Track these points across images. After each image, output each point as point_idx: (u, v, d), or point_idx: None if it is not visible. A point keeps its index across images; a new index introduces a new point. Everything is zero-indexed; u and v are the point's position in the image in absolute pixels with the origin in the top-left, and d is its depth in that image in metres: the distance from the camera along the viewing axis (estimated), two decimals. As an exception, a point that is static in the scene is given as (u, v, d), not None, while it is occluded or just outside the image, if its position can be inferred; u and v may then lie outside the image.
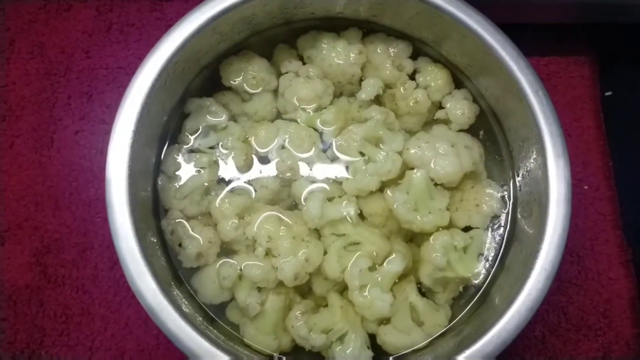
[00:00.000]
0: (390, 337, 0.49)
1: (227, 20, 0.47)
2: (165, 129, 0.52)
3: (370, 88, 0.53)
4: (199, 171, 0.52)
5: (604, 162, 0.64)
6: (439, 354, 0.47)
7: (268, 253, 0.49)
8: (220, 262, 0.51)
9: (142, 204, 0.46)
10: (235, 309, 0.51)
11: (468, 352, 0.43)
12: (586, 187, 0.63)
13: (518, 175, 0.52)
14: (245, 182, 0.54)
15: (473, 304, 0.51)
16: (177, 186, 0.52)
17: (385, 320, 0.50)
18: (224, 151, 0.53)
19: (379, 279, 0.49)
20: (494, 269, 0.52)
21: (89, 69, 0.65)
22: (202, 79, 0.54)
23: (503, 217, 0.53)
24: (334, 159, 0.53)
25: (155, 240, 0.48)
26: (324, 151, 0.54)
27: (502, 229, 0.53)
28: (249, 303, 0.49)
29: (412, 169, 0.51)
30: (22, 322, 0.59)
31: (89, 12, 0.67)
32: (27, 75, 0.65)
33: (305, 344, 0.48)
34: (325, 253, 0.50)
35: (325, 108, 0.54)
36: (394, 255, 0.50)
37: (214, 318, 0.51)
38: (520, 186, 0.52)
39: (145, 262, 0.42)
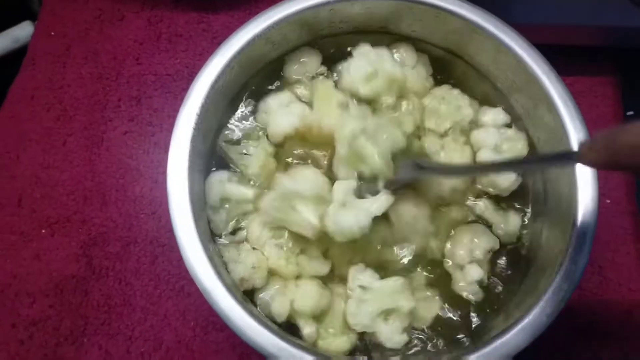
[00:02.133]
0: None
1: (279, 31, 0.51)
2: (218, 127, 0.55)
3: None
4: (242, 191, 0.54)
5: (626, 178, 0.66)
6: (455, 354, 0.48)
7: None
8: (273, 291, 0.52)
9: (199, 199, 0.49)
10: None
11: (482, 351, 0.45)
12: (608, 201, 0.66)
13: (547, 179, 0.55)
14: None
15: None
16: (224, 214, 0.53)
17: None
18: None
19: None
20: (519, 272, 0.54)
21: (138, 74, 0.69)
22: (252, 83, 0.57)
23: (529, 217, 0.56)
24: None
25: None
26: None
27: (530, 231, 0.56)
28: (306, 333, 0.50)
29: None
30: (67, 311, 0.61)
31: (141, 22, 0.71)
32: (81, 79, 0.69)
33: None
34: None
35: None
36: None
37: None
38: (547, 190, 0.54)
39: (205, 252, 0.45)
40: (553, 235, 0.52)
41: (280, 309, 0.50)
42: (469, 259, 0.53)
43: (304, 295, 0.50)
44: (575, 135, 0.48)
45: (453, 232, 0.55)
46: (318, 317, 0.51)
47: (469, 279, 0.52)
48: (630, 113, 0.68)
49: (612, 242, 0.64)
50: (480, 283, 0.53)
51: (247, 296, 0.51)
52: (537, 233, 0.54)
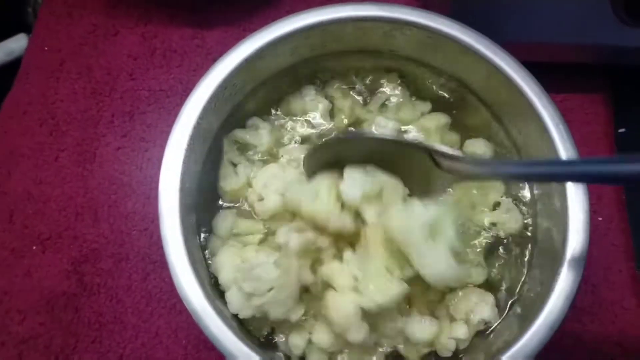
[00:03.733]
0: None
1: (271, 51, 0.51)
2: (211, 147, 0.55)
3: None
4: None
5: (618, 195, 0.66)
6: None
7: None
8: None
9: (189, 217, 0.49)
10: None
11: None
12: (600, 219, 0.66)
13: (538, 204, 0.55)
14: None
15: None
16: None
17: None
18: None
19: None
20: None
21: (132, 90, 0.69)
22: (247, 102, 0.57)
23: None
24: None
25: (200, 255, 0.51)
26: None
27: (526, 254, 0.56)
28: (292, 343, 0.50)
29: None
30: (58, 328, 0.61)
31: (135, 38, 0.71)
32: (75, 94, 0.69)
33: None
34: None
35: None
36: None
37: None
38: (539, 213, 0.55)
39: (193, 270, 0.45)
40: (546, 255, 0.52)
41: (298, 343, 0.50)
42: (463, 316, 0.52)
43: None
44: (566, 156, 0.49)
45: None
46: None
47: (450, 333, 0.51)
48: (621, 130, 0.69)
49: (604, 259, 0.64)
50: (456, 344, 0.51)
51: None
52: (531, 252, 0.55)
